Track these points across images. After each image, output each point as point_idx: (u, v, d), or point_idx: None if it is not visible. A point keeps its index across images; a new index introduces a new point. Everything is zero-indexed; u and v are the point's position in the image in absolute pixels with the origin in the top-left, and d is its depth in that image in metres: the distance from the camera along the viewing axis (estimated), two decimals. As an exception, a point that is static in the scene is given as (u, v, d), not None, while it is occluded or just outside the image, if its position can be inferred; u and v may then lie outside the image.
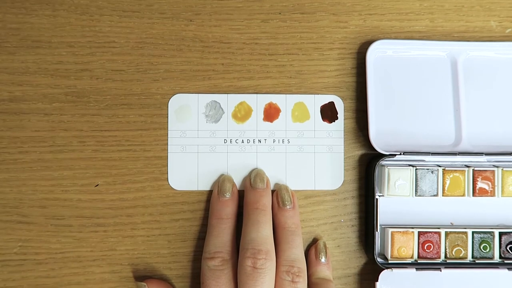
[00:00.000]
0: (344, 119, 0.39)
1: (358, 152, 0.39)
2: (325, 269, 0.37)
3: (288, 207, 0.37)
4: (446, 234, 0.38)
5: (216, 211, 0.37)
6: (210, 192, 0.38)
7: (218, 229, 0.36)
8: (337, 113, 0.39)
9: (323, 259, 0.37)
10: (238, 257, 0.35)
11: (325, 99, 0.39)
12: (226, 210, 0.36)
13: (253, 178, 0.37)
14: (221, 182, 0.38)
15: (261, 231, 0.35)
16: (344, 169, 0.39)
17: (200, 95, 0.39)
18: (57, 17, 0.38)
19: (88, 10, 0.38)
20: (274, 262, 0.34)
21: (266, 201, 0.37)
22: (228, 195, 0.37)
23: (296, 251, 0.35)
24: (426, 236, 0.38)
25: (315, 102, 0.39)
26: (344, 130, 0.39)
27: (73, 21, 0.38)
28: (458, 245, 0.38)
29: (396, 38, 0.39)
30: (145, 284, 0.36)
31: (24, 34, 0.38)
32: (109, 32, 0.38)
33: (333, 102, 0.39)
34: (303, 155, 0.39)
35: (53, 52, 0.38)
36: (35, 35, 0.38)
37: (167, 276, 0.38)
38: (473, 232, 0.38)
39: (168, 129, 0.38)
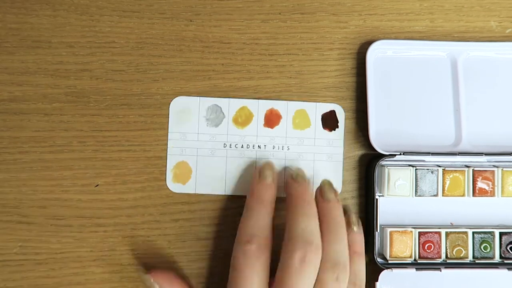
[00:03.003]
0: (344, 125, 0.39)
1: (358, 152, 0.39)
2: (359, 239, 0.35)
3: (332, 200, 0.35)
4: (447, 234, 0.38)
5: (256, 192, 0.35)
6: (209, 194, 0.38)
7: (258, 212, 0.34)
8: (338, 122, 0.39)
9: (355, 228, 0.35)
10: (283, 249, 0.32)
11: (326, 107, 0.39)
12: (268, 193, 0.35)
13: (295, 173, 0.36)
14: (263, 166, 0.36)
15: (311, 224, 0.33)
16: (344, 170, 0.39)
17: (201, 98, 0.39)
18: (57, 17, 0.38)
19: (88, 10, 0.38)
20: (321, 257, 0.32)
21: (311, 194, 0.35)
22: (270, 179, 0.35)
23: (341, 245, 0.33)
24: (427, 236, 0.38)
25: (316, 110, 0.39)
26: (344, 136, 0.39)
27: (73, 21, 0.38)
28: (458, 245, 0.38)
29: (396, 38, 0.39)
30: (150, 277, 0.34)
31: (24, 34, 0.38)
32: (109, 32, 0.38)
33: (334, 111, 0.39)
34: (303, 162, 0.39)
35: (53, 52, 0.38)
36: (35, 35, 0.38)
37: (167, 276, 0.38)
38: (473, 232, 0.38)
39: (168, 131, 0.38)
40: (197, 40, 0.39)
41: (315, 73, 0.39)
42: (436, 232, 0.38)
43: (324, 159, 0.39)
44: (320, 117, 0.39)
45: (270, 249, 0.33)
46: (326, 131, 0.39)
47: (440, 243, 0.38)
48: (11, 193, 0.38)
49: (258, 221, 0.34)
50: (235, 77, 0.39)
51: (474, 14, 0.40)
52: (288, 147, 0.39)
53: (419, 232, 0.38)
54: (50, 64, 0.38)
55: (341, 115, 0.39)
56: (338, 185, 0.39)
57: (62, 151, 0.38)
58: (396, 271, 0.37)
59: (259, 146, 0.39)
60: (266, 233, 0.33)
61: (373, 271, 0.38)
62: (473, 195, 0.38)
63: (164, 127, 0.38)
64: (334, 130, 0.39)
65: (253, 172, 0.37)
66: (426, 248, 0.38)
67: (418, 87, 0.39)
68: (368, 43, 0.38)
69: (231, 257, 0.34)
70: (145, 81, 0.38)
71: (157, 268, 0.37)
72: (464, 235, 0.38)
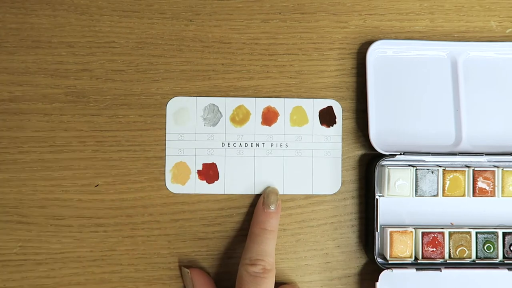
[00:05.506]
0: (342, 122, 0.39)
1: (358, 152, 0.39)
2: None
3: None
4: (450, 234, 0.38)
5: (260, 220, 0.37)
6: (208, 194, 0.38)
7: (262, 239, 0.36)
8: (336, 118, 0.39)
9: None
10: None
11: (324, 103, 0.39)
12: (271, 221, 0.37)
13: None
14: (267, 194, 0.38)
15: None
16: (344, 169, 0.39)
17: (198, 98, 0.39)
18: (57, 17, 0.38)
19: (88, 10, 0.38)
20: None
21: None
22: (273, 207, 0.37)
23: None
24: (430, 236, 0.38)
25: (313, 106, 0.39)
26: (342, 133, 0.39)
27: (73, 21, 0.38)
28: (462, 245, 0.38)
29: (396, 38, 0.39)
30: (188, 271, 0.36)
31: (24, 34, 0.38)
32: (109, 32, 0.38)
33: (332, 107, 0.39)
34: (301, 159, 0.39)
35: (53, 52, 0.38)
36: (35, 35, 0.38)
37: (167, 276, 0.38)
38: (476, 233, 0.38)
39: (166, 132, 0.38)
40: (197, 40, 0.39)
41: (315, 73, 0.39)
42: (439, 232, 0.38)
43: (323, 155, 0.39)
44: (318, 114, 0.39)
45: (274, 272, 0.35)
46: (324, 127, 0.39)
47: (443, 243, 0.38)
48: (11, 193, 0.38)
49: (262, 247, 0.35)
50: (235, 77, 0.39)
51: (474, 14, 0.40)
52: (286, 144, 0.39)
53: (422, 232, 0.37)
54: (50, 64, 0.38)
55: (338, 111, 0.39)
56: (337, 182, 0.39)
57: (62, 151, 0.38)
58: (396, 271, 0.37)
59: (257, 144, 0.39)
60: (270, 258, 0.35)
61: (373, 271, 0.38)
62: (473, 195, 0.38)
63: (164, 127, 0.38)
64: (332, 126, 0.39)
65: (258, 200, 0.38)
66: (429, 248, 0.38)
67: (418, 87, 0.39)
68: (368, 43, 0.38)
69: (236, 280, 0.35)
70: (145, 81, 0.38)
71: (197, 268, 0.38)
72: (467, 235, 0.38)
